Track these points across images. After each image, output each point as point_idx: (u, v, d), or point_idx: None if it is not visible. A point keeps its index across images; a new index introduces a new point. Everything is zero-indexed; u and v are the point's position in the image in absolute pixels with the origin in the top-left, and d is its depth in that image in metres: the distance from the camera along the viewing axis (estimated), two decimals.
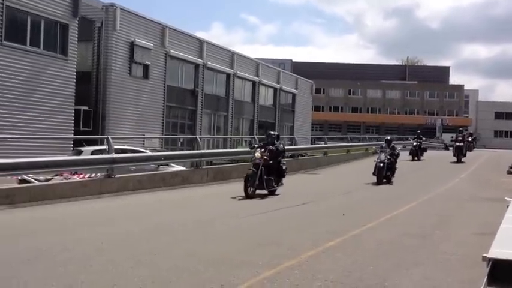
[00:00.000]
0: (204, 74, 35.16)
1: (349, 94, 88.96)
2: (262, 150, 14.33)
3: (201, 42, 34.90)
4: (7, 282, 5.65)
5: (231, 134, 37.99)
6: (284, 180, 15.04)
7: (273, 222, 10.40)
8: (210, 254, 7.25)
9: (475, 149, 46.04)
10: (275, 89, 46.51)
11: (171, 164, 17.85)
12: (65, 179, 13.69)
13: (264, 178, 13.90)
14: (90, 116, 26.21)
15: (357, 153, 32.15)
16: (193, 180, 16.28)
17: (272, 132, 15.63)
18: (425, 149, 34.15)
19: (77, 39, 24.50)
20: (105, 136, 17.18)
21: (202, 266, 6.56)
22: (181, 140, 31.77)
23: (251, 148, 15.36)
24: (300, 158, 25.17)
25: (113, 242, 7.85)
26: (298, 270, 6.53)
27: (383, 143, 20.55)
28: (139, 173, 14.85)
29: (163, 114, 30.85)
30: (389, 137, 21.37)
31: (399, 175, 19.73)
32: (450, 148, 37.24)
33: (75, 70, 24.49)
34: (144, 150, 19.49)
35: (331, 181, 20.27)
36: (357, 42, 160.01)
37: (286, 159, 23.94)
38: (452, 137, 33.68)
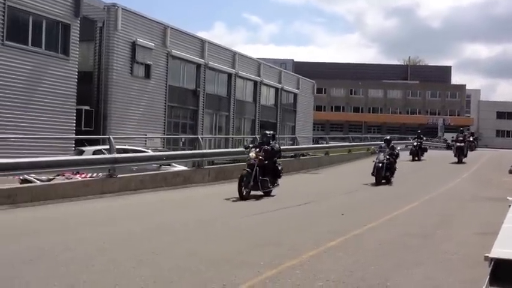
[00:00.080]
0: (206, 74, 35.17)
1: (351, 94, 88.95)
2: (257, 150, 13.94)
3: (202, 42, 34.90)
4: (9, 282, 5.66)
5: (232, 134, 38.00)
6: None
7: (274, 222, 10.40)
8: (211, 253, 7.25)
9: (477, 148, 45.90)
10: (277, 89, 46.50)
11: (173, 164, 17.84)
12: (67, 178, 13.69)
13: (259, 179, 13.53)
14: (91, 116, 26.22)
15: (358, 153, 32.14)
16: (195, 180, 16.29)
17: (267, 132, 15.21)
18: (425, 149, 33.93)
19: (78, 39, 24.50)
20: (107, 136, 17.18)
21: (204, 265, 6.56)
22: (183, 139, 31.78)
23: (246, 148, 14.90)
24: (301, 157, 25.19)
25: (114, 241, 7.86)
26: (300, 270, 6.53)
27: (382, 143, 20.19)
28: (141, 173, 14.86)
29: (164, 114, 30.86)
30: (388, 137, 21.01)
31: (399, 175, 19.56)
32: (452, 147, 37.04)
33: (76, 70, 24.49)
34: (146, 150, 19.49)
35: (332, 181, 20.25)
36: (359, 41, 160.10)
37: (287, 159, 24.11)
38: (452, 137, 33.24)
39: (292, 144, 28.20)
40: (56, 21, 23.49)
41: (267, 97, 45.49)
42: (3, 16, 21.15)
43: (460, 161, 29.47)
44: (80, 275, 5.92)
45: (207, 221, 10.08)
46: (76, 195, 12.13)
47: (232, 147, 31.40)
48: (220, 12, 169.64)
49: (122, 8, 27.23)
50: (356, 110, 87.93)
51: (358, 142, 41.40)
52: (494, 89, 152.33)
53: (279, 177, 14.56)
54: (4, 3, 21.09)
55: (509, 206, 6.59)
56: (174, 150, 26.69)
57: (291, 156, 24.69)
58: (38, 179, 13.07)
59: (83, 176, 14.20)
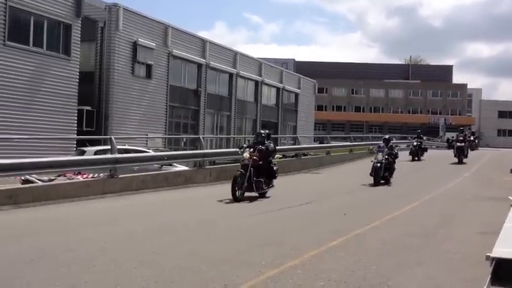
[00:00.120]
0: (207, 74, 35.18)
1: (352, 93, 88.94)
2: (251, 150, 13.48)
3: (203, 41, 34.91)
4: (10, 282, 5.67)
5: (234, 134, 37.99)
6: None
7: (275, 221, 10.40)
8: (213, 253, 7.25)
9: (479, 148, 45.69)
10: (278, 89, 46.49)
11: (174, 164, 17.85)
12: (68, 179, 13.70)
13: (254, 180, 13.09)
14: (93, 116, 26.25)
15: (360, 153, 32.08)
16: (196, 180, 16.29)
17: (262, 131, 14.70)
18: (425, 149, 33.66)
19: (79, 39, 24.54)
20: (108, 136, 17.19)
21: (205, 265, 6.56)
22: (184, 139, 31.80)
23: (240, 148, 14.34)
24: (303, 157, 25.19)
25: (116, 242, 7.86)
26: (301, 269, 6.53)
27: (381, 143, 19.63)
28: (143, 173, 14.86)
29: (166, 114, 30.88)
30: (387, 136, 20.45)
31: (399, 175, 19.31)
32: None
33: (78, 70, 24.53)
34: (147, 150, 19.50)
35: (333, 180, 20.22)
36: (360, 40, 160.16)
37: (289, 158, 24.13)
38: (452, 137, 32.71)
39: (294, 144, 28.18)
40: (57, 22, 23.52)
41: (268, 97, 45.49)
42: (5, 16, 21.18)
43: (460, 162, 28.82)
44: (81, 275, 5.92)
45: (209, 221, 10.08)
46: (77, 196, 12.14)
47: (233, 147, 31.38)
48: (221, 12, 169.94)
49: (123, 8, 27.25)
50: (357, 109, 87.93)
51: (360, 142, 41.28)
52: (495, 88, 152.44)
53: (274, 177, 14.11)
54: (5, 4, 21.12)
55: (511, 205, 6.59)
56: (175, 150, 26.69)
57: (292, 156, 24.70)
58: (39, 180, 13.09)
59: (84, 176, 14.21)
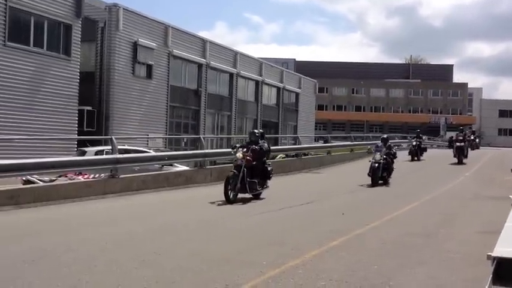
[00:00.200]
0: (207, 74, 35.19)
1: (353, 93, 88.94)
2: (245, 150, 13.06)
3: (204, 41, 34.91)
4: (12, 282, 5.66)
5: (234, 134, 37.98)
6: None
7: (276, 221, 10.39)
8: (213, 253, 7.25)
9: (480, 147, 45.55)
10: (278, 89, 46.49)
11: (175, 164, 17.86)
12: (69, 179, 13.71)
13: (247, 181, 12.69)
14: (93, 117, 26.25)
15: (360, 152, 32.05)
16: (197, 180, 16.29)
17: (255, 131, 14.31)
18: (425, 149, 33.45)
19: (80, 39, 24.55)
20: (109, 136, 17.20)
21: (206, 265, 6.56)
22: (185, 140, 31.80)
23: (232, 148, 13.87)
24: (303, 157, 25.20)
25: (117, 242, 7.87)
26: (303, 269, 6.53)
27: (379, 142, 19.29)
28: (143, 173, 14.86)
29: (166, 114, 30.89)
30: (385, 136, 20.08)
31: (398, 175, 19.07)
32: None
33: (78, 70, 24.53)
34: (148, 150, 19.51)
35: (334, 180, 20.21)
36: (361, 40, 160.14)
37: (290, 158, 24.14)
38: (452, 137, 32.46)
39: (294, 144, 28.16)
40: (58, 22, 23.53)
41: (269, 97, 45.49)
42: (5, 17, 21.18)
43: (460, 162, 28.29)
44: (82, 276, 5.92)
45: (209, 221, 10.08)
46: (78, 196, 12.14)
47: None
48: (221, 12, 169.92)
49: (123, 8, 27.27)
50: (358, 109, 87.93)
51: (360, 141, 41.20)
52: (496, 87, 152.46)
53: (269, 178, 13.76)
54: (5, 4, 21.12)
55: None
56: (176, 150, 26.73)
57: (293, 156, 24.71)
58: (40, 180, 13.10)
59: (85, 176, 14.22)
